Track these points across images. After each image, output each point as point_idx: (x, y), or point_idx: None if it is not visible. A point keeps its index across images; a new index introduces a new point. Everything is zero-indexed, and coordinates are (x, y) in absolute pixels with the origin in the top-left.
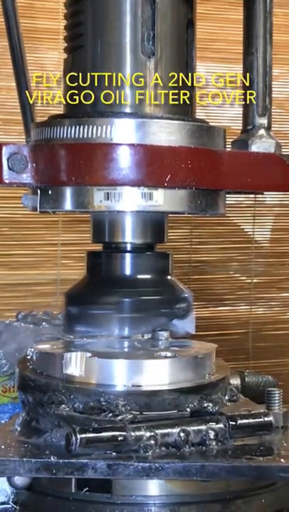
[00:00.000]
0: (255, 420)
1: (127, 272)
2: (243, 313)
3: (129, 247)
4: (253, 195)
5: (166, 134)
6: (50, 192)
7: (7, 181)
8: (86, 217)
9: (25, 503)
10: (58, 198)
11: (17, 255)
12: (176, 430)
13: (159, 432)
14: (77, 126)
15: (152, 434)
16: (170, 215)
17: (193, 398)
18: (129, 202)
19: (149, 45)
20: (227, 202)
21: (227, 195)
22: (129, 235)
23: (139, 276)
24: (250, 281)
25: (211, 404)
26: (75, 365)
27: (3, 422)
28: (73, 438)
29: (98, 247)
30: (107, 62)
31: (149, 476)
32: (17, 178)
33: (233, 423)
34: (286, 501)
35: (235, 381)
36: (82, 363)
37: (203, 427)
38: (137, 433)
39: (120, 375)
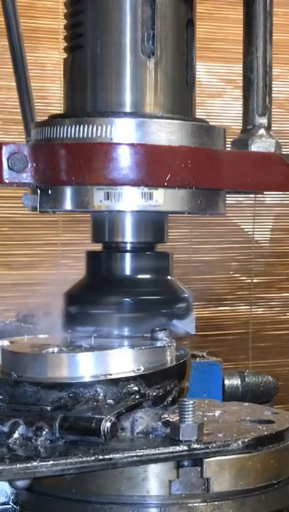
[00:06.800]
0: (83, 425)
1: (127, 271)
2: (242, 314)
3: (129, 246)
4: (253, 195)
5: (166, 133)
6: (50, 192)
7: (7, 181)
8: (86, 217)
9: (25, 503)
10: (58, 198)
11: (17, 255)
12: (9, 422)
13: None
14: (77, 126)
15: None
16: (170, 214)
17: (55, 394)
18: (129, 202)
19: (148, 44)
20: (227, 202)
21: (227, 195)
22: (129, 234)
23: (139, 276)
24: (250, 281)
25: (70, 403)
26: None
27: None
28: None
29: (98, 247)
30: (107, 61)
31: None
32: (17, 177)
33: (64, 424)
34: (286, 501)
35: (235, 381)
36: None
37: (35, 424)
38: None
39: (10, 366)
